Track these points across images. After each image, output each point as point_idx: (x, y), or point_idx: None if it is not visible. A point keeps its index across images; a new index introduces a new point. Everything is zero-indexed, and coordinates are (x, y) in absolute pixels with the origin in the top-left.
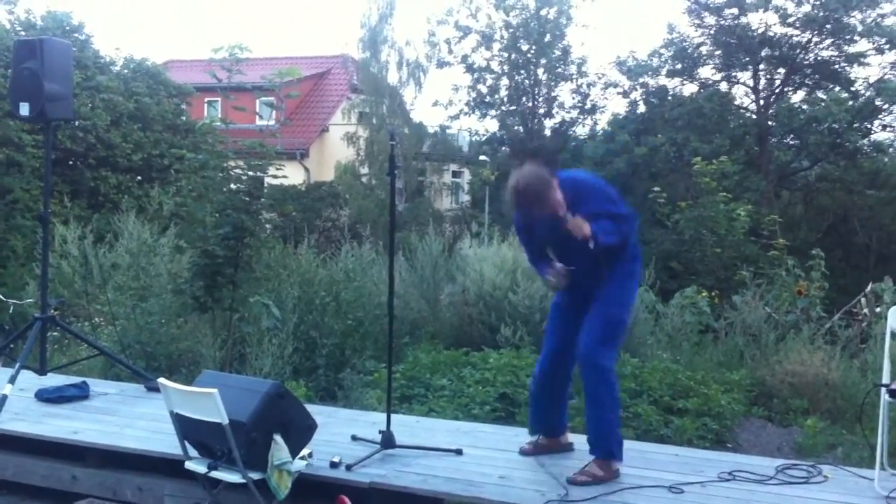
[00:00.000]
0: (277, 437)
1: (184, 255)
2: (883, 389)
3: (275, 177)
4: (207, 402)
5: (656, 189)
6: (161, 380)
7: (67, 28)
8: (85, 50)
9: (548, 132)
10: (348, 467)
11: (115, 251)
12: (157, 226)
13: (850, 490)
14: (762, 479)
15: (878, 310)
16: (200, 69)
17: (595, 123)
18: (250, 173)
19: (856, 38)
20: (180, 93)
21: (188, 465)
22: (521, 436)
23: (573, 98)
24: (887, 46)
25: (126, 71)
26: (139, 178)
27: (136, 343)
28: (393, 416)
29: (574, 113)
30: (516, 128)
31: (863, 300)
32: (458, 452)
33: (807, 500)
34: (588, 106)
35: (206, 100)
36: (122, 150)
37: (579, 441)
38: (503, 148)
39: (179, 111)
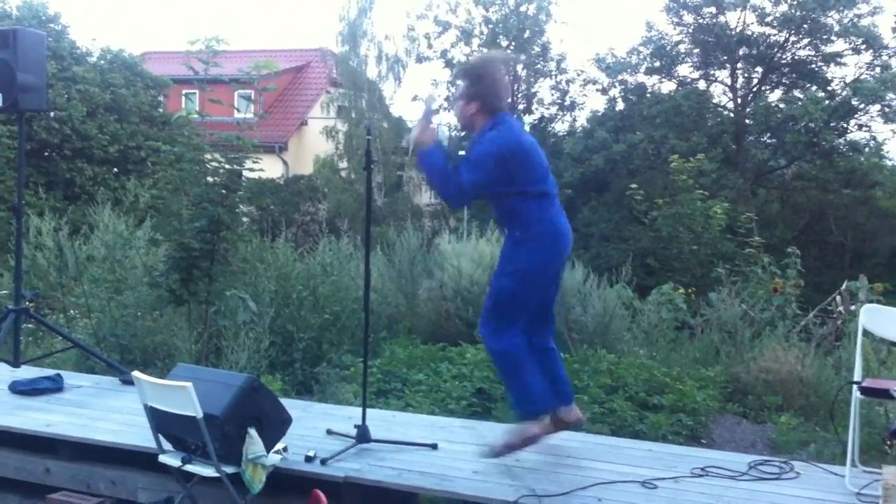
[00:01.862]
0: (252, 431)
1: (159, 247)
2: (854, 387)
3: (251, 170)
4: (181, 396)
5: (634, 186)
6: (135, 373)
7: (43, 18)
8: (61, 40)
9: (527, 128)
10: (323, 461)
11: (90, 243)
12: (133, 218)
13: (821, 486)
14: (735, 475)
15: (852, 308)
16: (177, 61)
17: (574, 120)
18: (227, 166)
19: (832, 37)
20: (157, 84)
21: (162, 458)
22: (497, 430)
23: (552, 94)
24: (863, 46)
25: (102, 62)
26: (115, 169)
27: (110, 336)
28: (369, 410)
29: (553, 109)
30: None
31: (837, 298)
32: (434, 447)
33: (778, 496)
34: (567, 102)
35: (184, 92)
36: (98, 141)
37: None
38: None
39: (156, 103)
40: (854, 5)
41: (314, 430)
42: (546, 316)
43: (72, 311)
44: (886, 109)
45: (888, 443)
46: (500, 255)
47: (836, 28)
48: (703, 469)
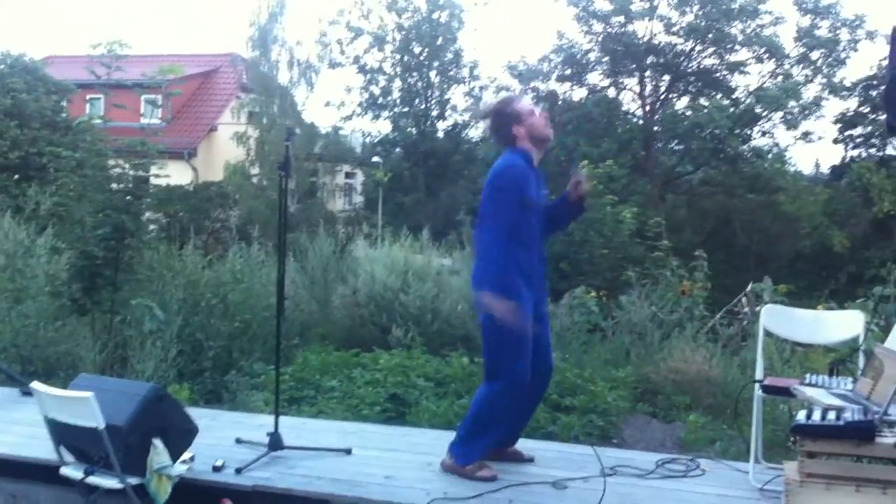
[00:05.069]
0: (157, 442)
1: (62, 256)
2: (756, 385)
3: (157, 176)
4: (83, 407)
5: (545, 192)
6: (34, 384)
7: None
8: None
9: (440, 134)
10: (238, 471)
11: None
12: (35, 226)
13: (725, 482)
14: (642, 474)
15: (757, 309)
16: (82, 66)
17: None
18: (131, 172)
19: (736, 47)
20: (60, 89)
21: (63, 471)
22: (410, 435)
23: (466, 101)
24: (766, 55)
25: (3, 66)
26: (16, 176)
27: (11, 346)
28: (280, 418)
29: (466, 116)
30: (409, 129)
31: (743, 299)
32: (348, 452)
33: (684, 493)
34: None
35: (88, 97)
36: None
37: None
38: (396, 149)
39: (59, 108)
40: (757, 16)
41: (223, 440)
42: None
43: None
44: (788, 117)
45: (791, 439)
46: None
47: (740, 38)
48: (612, 468)
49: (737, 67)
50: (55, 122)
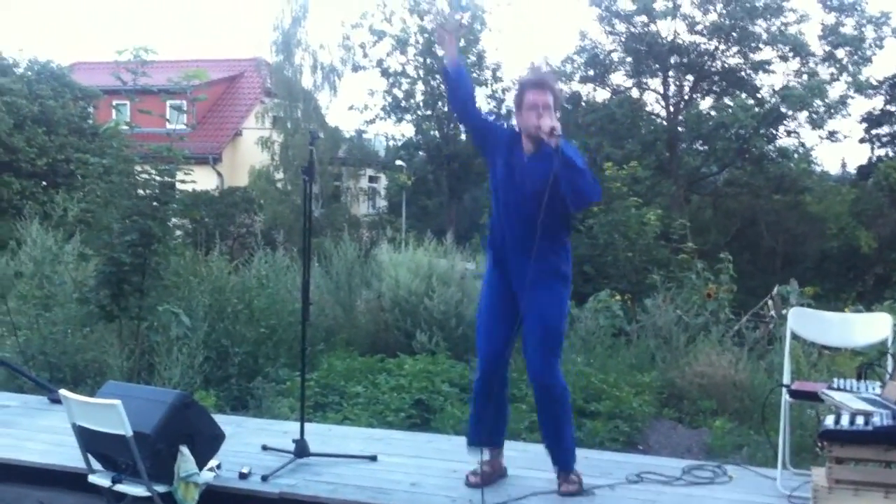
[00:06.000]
0: (184, 449)
1: (89, 262)
2: (783, 390)
3: (183, 181)
4: (110, 414)
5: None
6: (62, 391)
7: None
8: None
9: (464, 137)
10: (264, 478)
11: (17, 259)
12: (63, 233)
13: (753, 489)
14: (669, 480)
15: (784, 311)
16: (107, 71)
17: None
18: (158, 178)
19: (761, 45)
20: (86, 95)
21: (91, 478)
22: (435, 441)
23: (489, 103)
24: (791, 54)
25: (30, 73)
26: (44, 183)
27: (39, 354)
28: (305, 424)
29: (490, 118)
30: (432, 133)
31: (769, 302)
32: (373, 459)
33: (712, 499)
34: (503, 111)
35: (114, 103)
36: (26, 154)
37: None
38: (419, 153)
39: (86, 114)
40: (781, 13)
41: (249, 446)
42: None
43: None
44: (814, 116)
45: (819, 445)
46: (541, 288)
47: (765, 36)
48: (637, 475)
49: (761, 66)
50: (82, 129)
